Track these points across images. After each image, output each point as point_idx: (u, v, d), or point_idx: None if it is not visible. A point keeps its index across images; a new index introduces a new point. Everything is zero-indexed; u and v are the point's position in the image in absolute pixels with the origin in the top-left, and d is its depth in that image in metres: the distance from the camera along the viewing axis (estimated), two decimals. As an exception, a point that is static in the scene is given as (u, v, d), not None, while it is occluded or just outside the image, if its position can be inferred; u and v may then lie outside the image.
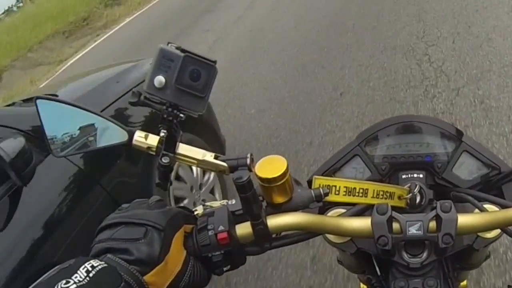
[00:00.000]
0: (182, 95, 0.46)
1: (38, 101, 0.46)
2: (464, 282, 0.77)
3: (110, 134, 0.47)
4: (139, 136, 0.48)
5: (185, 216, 0.47)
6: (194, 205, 1.67)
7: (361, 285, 0.79)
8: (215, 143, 2.18)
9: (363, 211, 0.55)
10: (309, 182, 0.58)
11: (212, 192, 2.13)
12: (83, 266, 0.38)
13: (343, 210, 0.56)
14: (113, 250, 0.42)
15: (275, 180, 0.48)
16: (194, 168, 2.01)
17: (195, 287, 0.47)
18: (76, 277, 0.36)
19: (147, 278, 0.41)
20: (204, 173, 2.02)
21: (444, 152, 0.62)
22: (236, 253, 0.48)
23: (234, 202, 0.51)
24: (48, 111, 0.46)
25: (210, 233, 0.46)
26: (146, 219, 0.44)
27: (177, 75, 0.45)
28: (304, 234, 0.52)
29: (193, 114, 0.47)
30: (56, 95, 1.63)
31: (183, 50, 0.46)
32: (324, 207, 0.56)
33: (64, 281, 0.36)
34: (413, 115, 0.66)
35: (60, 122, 0.47)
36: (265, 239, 0.49)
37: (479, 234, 0.58)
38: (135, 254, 0.41)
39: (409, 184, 0.59)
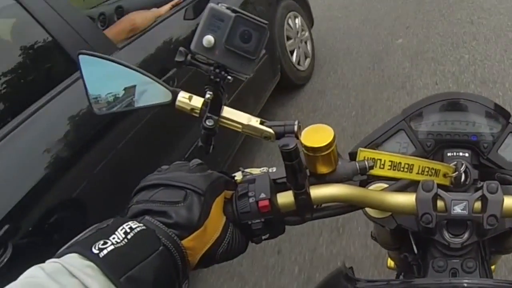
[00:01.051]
0: (231, 56, 0.44)
1: (80, 56, 0.44)
2: (494, 266, 0.77)
3: (153, 93, 0.46)
4: (182, 97, 0.46)
5: (226, 182, 0.46)
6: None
7: (389, 261, 0.79)
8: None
9: (405, 187, 0.54)
10: (351, 154, 0.57)
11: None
12: (121, 227, 0.37)
13: (384, 185, 0.55)
14: (151, 212, 0.41)
15: (321, 150, 0.47)
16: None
17: (233, 254, 0.46)
18: (113, 238, 0.36)
19: (185, 242, 0.40)
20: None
21: (489, 132, 0.61)
22: (276, 222, 0.47)
23: (274, 170, 0.50)
24: (91, 67, 0.45)
25: (251, 200, 0.46)
26: (186, 182, 0.43)
27: (228, 35, 0.43)
28: (345, 206, 0.52)
29: (241, 77, 0.45)
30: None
31: (234, 10, 0.44)
32: (365, 180, 0.55)
33: (101, 242, 0.35)
34: (460, 92, 0.64)
35: (102, 79, 0.45)
36: (306, 210, 0.48)
37: None
38: (174, 217, 0.40)
39: (455, 162, 0.58)
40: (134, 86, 0.45)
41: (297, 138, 0.46)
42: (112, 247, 0.35)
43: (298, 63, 2.90)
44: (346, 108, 2.67)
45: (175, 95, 0.46)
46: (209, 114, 0.45)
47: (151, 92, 0.46)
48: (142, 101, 0.46)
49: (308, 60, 3.05)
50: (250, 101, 2.41)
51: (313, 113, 2.74)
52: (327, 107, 2.76)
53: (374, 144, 0.60)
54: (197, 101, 0.46)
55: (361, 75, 2.98)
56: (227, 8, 0.43)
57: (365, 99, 2.70)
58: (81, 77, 0.45)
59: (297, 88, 2.97)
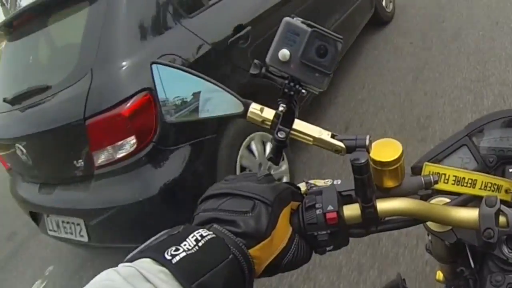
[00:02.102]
0: (307, 70, 0.44)
1: (153, 65, 0.45)
2: None
3: (225, 104, 0.46)
4: (254, 108, 0.46)
5: (292, 193, 0.47)
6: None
7: (438, 273, 0.78)
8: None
9: (467, 201, 0.54)
10: (414, 168, 0.57)
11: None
12: (192, 235, 0.38)
13: (446, 199, 0.55)
14: (219, 220, 0.41)
15: (389, 164, 0.47)
16: (268, 146, 2.14)
17: (297, 264, 0.47)
18: (185, 244, 0.36)
19: (252, 251, 0.41)
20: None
21: None
22: (341, 233, 0.48)
23: (339, 182, 0.50)
24: (163, 76, 0.45)
25: (318, 212, 0.46)
26: (255, 192, 0.43)
27: (303, 49, 0.43)
28: (408, 220, 0.52)
29: (315, 91, 0.45)
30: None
31: (310, 25, 0.43)
32: (427, 194, 0.55)
33: (173, 248, 0.36)
34: None
35: (174, 88, 0.45)
36: (372, 223, 0.48)
37: None
38: (242, 227, 0.41)
39: None
40: (204, 93, 0.46)
41: (368, 152, 0.46)
42: (184, 253, 0.35)
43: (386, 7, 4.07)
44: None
45: (247, 106, 0.46)
46: (280, 127, 0.45)
47: (223, 102, 0.46)
48: (215, 111, 0.46)
49: (391, 4, 4.18)
50: (350, 25, 3.35)
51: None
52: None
53: (437, 158, 0.60)
54: (269, 113, 0.46)
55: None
56: (303, 22, 0.43)
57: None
58: (153, 84, 0.46)
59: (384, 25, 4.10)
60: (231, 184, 0.45)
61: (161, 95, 0.46)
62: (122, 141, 1.69)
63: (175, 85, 0.46)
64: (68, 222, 2.03)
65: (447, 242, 0.57)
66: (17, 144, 2.01)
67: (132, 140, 1.69)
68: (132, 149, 1.70)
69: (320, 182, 0.51)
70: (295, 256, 0.46)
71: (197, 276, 0.34)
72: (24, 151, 1.99)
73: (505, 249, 0.53)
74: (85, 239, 1.96)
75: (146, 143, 1.71)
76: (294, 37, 0.43)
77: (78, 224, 1.96)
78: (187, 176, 1.84)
